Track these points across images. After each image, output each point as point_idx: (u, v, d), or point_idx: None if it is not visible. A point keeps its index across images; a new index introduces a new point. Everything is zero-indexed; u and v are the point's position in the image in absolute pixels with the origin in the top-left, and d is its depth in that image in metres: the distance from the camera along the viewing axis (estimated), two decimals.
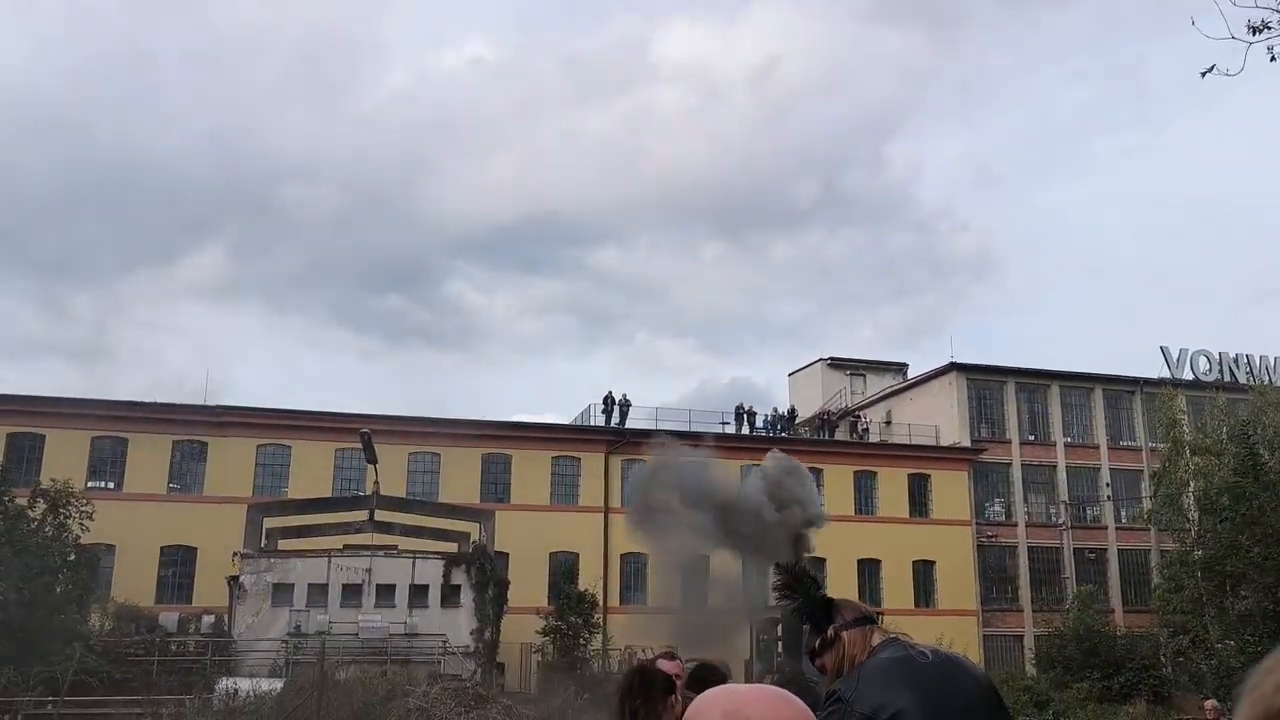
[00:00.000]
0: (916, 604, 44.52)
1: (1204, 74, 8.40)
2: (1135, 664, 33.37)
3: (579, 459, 42.61)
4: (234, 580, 29.30)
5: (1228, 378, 50.79)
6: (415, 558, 30.43)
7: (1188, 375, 51.22)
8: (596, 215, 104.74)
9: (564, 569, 35.22)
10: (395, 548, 31.46)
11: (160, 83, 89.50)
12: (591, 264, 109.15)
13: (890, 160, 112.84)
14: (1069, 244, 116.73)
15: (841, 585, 43.56)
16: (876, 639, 3.07)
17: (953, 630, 38.16)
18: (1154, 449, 50.27)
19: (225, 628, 28.93)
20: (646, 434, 43.71)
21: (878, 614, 3.35)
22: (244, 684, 19.60)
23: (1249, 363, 52.49)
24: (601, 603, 40.13)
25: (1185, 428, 41.15)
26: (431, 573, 30.50)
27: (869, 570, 44.51)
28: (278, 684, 20.01)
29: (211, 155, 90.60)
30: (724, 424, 46.31)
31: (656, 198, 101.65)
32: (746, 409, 47.37)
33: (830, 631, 3.11)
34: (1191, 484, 38.11)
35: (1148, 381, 51.08)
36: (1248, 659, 35.14)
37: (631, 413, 45.13)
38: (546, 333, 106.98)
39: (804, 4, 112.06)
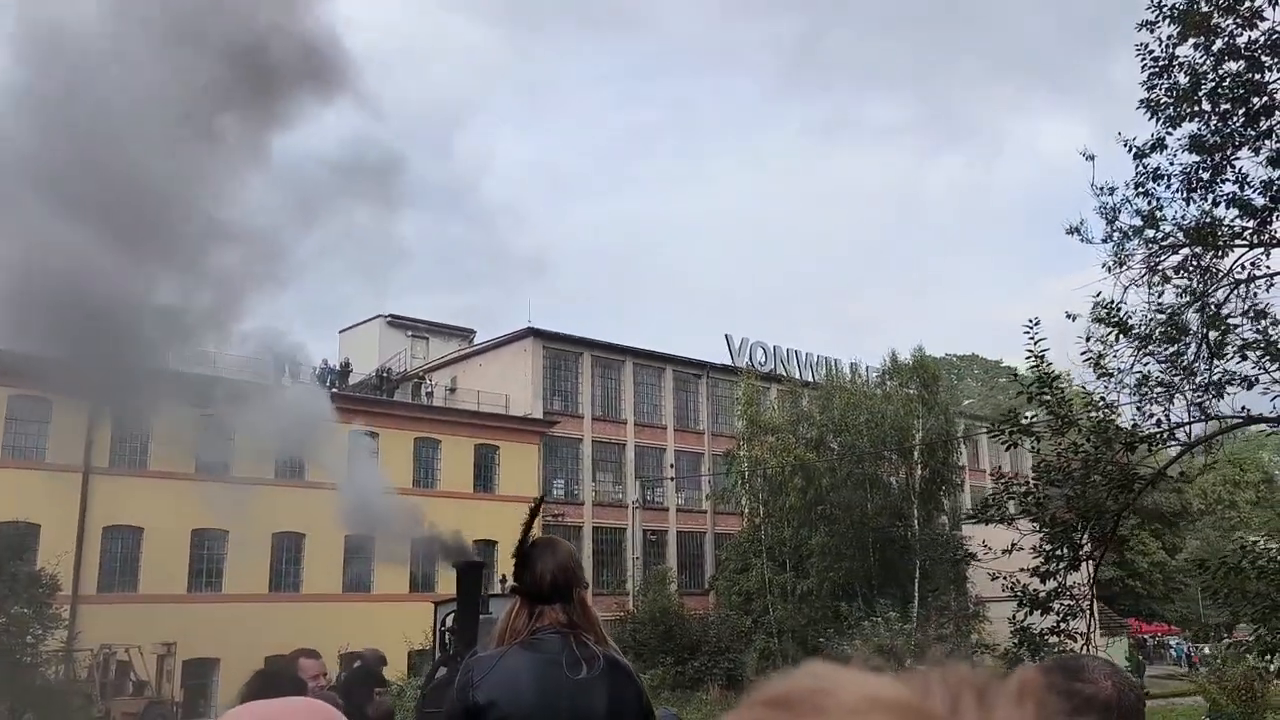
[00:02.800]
0: None
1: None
2: (709, 648, 31.12)
3: (49, 404, 31.89)
4: None
5: (779, 369, 52.26)
6: None
7: (746, 363, 51.95)
8: None
9: (10, 543, 25.12)
10: None
11: None
12: None
13: (459, 151, 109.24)
14: (630, 248, 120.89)
15: (392, 568, 37.21)
16: (547, 619, 2.80)
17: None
18: (716, 434, 50.36)
19: None
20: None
21: (564, 585, 2.85)
22: None
23: (795, 356, 54.56)
24: (71, 589, 30.16)
25: (760, 408, 40.61)
26: None
27: (423, 551, 38.60)
28: None
29: None
30: (259, 374, 37.87)
31: None
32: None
33: (509, 587, 2.93)
34: (765, 461, 37.26)
35: (713, 367, 51.08)
36: (818, 641, 34.65)
37: None
38: None
39: None
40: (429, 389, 43.94)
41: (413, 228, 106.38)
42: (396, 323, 51.92)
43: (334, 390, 39.66)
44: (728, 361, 51.21)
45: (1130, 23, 10.29)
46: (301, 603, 35.23)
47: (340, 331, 54.05)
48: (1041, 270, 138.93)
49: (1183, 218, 10.87)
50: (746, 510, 39.79)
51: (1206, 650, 64.59)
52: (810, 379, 50.34)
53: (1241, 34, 9.82)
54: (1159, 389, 10.01)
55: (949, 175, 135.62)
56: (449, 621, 12.16)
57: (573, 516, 44.04)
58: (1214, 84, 10.03)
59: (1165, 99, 10.58)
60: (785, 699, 0.46)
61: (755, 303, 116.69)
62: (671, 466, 47.85)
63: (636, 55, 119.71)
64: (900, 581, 35.86)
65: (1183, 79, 10.15)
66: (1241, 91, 9.85)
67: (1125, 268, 11.52)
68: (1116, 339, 10.17)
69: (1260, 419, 10.49)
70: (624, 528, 45.81)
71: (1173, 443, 10.53)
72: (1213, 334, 10.15)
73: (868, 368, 49.26)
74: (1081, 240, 12.12)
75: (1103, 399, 10.21)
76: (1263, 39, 9.70)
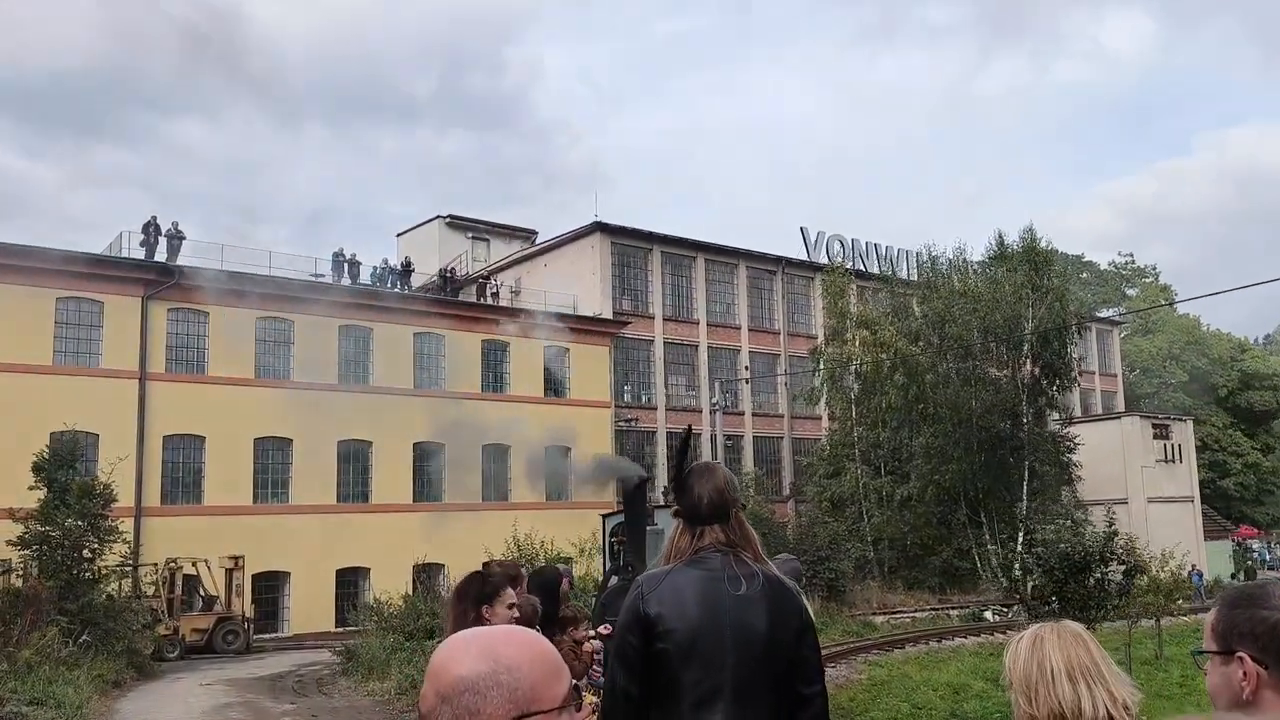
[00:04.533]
0: (549, 497, 37.57)
1: None
2: (808, 556, 28.93)
3: (101, 303, 30.08)
4: None
5: (858, 264, 49.16)
6: None
7: (823, 259, 48.94)
8: (176, 79, 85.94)
9: (62, 451, 23.41)
10: None
11: None
12: (170, 135, 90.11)
13: (509, 64, 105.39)
14: (682, 157, 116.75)
15: (462, 476, 35.45)
16: (708, 539, 2.91)
17: (583, 528, 31.69)
18: (792, 334, 47.70)
19: None
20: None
21: (720, 506, 2.94)
22: None
23: (875, 250, 51.31)
24: (134, 501, 28.71)
25: (846, 302, 37.69)
26: None
27: (496, 456, 36.68)
28: None
29: None
30: (317, 275, 35.80)
31: (253, 68, 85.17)
32: (348, 256, 37.06)
33: (673, 510, 3.03)
34: (858, 357, 34.50)
35: (789, 262, 48.11)
36: (921, 546, 32.39)
37: (187, 249, 33.13)
38: (108, 209, 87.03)
39: None
40: (494, 289, 41.61)
41: (467, 146, 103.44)
42: (456, 224, 49.47)
43: (396, 290, 37.54)
44: (803, 257, 48.32)
45: None
46: (371, 514, 33.66)
47: (398, 235, 51.87)
48: (1091, 174, 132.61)
49: None
50: (837, 411, 37.18)
51: None
52: (890, 273, 47.18)
53: None
54: None
55: (1002, 77, 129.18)
56: (618, 533, 12.93)
57: (646, 421, 41.90)
58: None
59: None
60: None
61: (806, 210, 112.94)
62: (746, 368, 45.32)
63: None
64: (1009, 485, 33.24)
65: None
66: None
67: None
68: None
69: None
70: (698, 433, 43.58)
71: None
72: None
73: (955, 259, 45.74)
74: None
75: None
76: None
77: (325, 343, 33.99)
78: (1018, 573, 33.42)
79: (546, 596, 6.00)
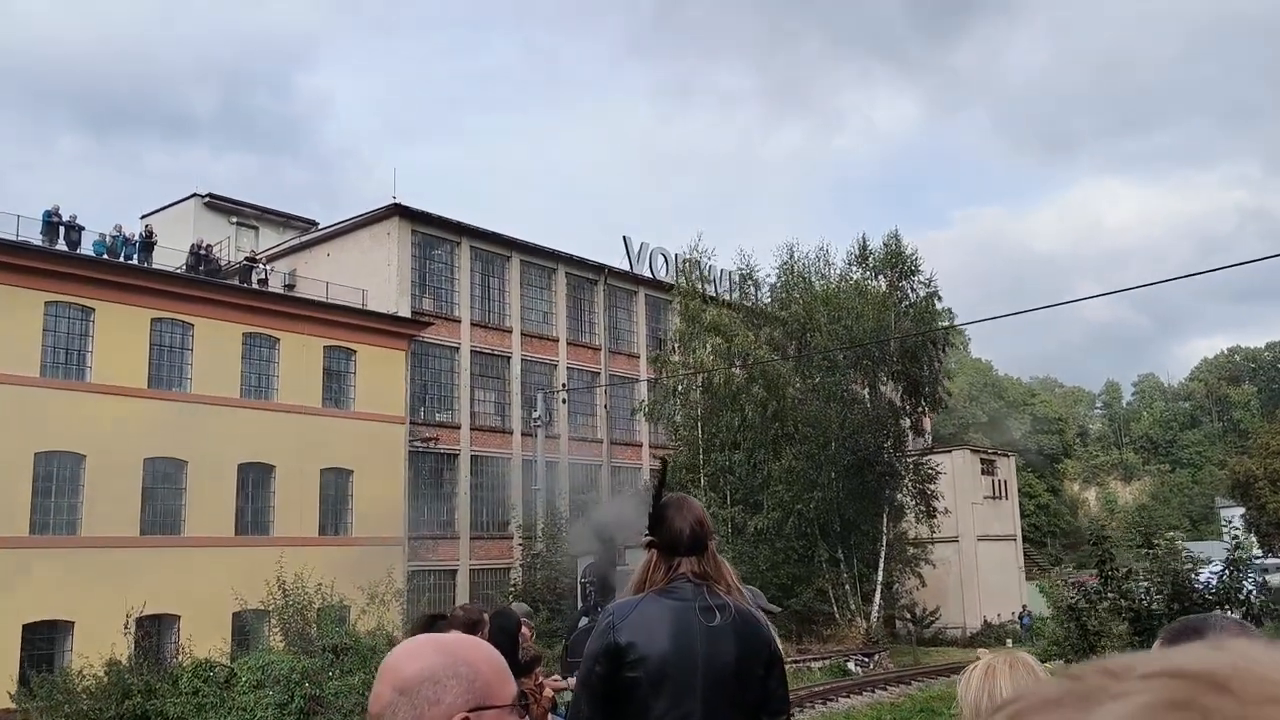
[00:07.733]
0: (323, 530, 30.23)
1: None
2: None
3: None
4: None
5: (681, 280, 44.94)
6: None
7: (646, 272, 44.44)
8: None
9: None
10: None
11: None
12: None
13: (300, 90, 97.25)
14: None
15: (210, 502, 27.83)
16: (684, 568, 2.90)
17: (372, 569, 25.07)
18: (614, 351, 42.70)
19: None
20: None
21: (699, 539, 2.93)
22: None
23: (700, 268, 47.27)
24: None
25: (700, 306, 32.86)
26: None
27: (256, 479, 29.09)
28: None
29: None
30: (19, 238, 27.31)
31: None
32: (66, 218, 28.69)
33: (645, 541, 3.01)
34: (714, 366, 29.53)
35: (612, 271, 43.10)
36: (780, 588, 27.54)
37: None
38: None
39: None
40: (263, 274, 33.97)
41: (236, 171, 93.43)
42: (217, 204, 41.26)
43: (135, 264, 29.48)
44: (625, 267, 43.53)
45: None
46: (79, 549, 25.37)
47: (142, 217, 42.77)
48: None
49: None
50: (684, 430, 32.12)
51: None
52: (714, 293, 43.13)
53: None
54: None
55: (789, 145, 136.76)
56: (589, 574, 15.12)
57: (446, 441, 35.25)
58: None
59: None
60: (1219, 681, 0.36)
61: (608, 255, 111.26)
62: (564, 386, 39.65)
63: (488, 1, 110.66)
64: (872, 517, 29.15)
65: None
66: None
67: None
68: None
69: None
70: (507, 457, 37.41)
71: None
72: None
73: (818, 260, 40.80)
74: None
75: None
76: None
77: (25, 322, 25.66)
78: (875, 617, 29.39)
79: (506, 640, 5.70)
